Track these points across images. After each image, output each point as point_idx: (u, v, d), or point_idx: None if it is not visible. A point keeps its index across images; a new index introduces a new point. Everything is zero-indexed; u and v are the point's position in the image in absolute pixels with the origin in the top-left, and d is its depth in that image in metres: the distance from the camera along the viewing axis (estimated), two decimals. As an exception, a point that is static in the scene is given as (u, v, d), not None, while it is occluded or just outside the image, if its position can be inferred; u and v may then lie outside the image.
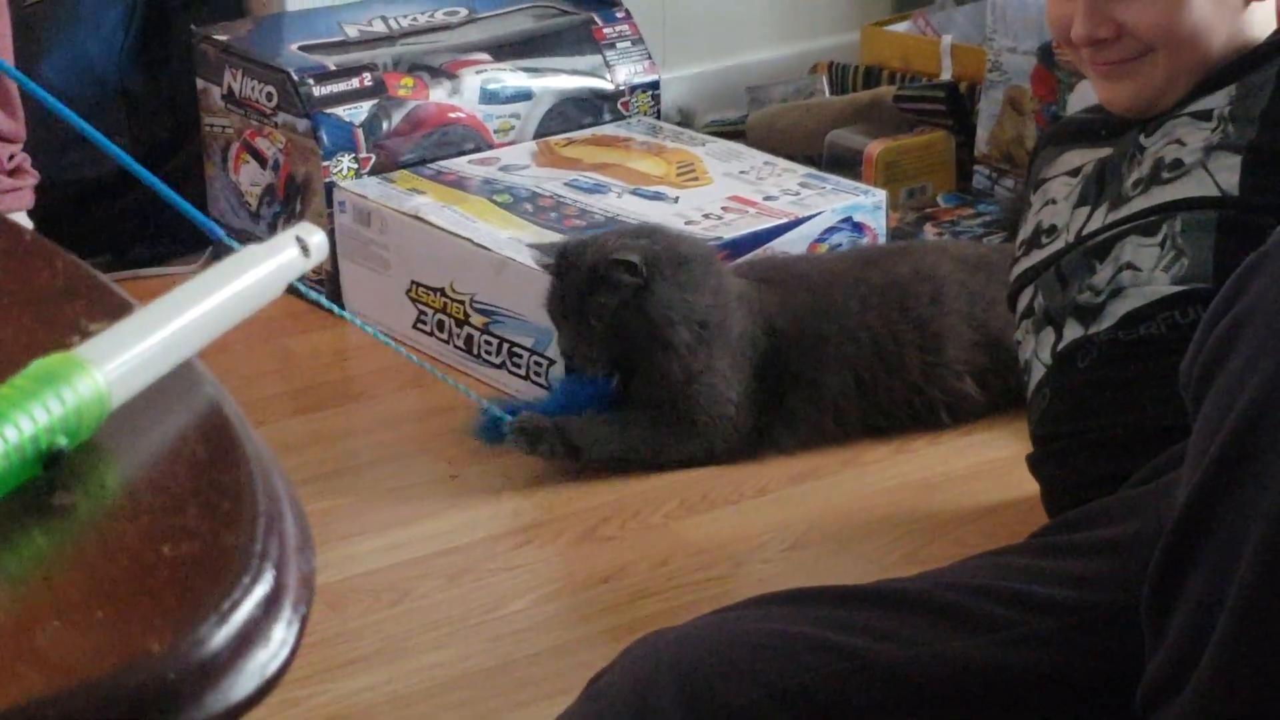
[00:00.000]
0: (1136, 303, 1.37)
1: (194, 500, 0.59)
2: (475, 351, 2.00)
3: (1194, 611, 1.00)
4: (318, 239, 0.74)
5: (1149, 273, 1.37)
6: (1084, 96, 2.25)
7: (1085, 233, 1.44)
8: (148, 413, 0.63)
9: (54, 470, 0.59)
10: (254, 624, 0.53)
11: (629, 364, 1.79)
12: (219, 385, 0.65)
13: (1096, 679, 1.14)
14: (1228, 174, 1.36)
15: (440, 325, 2.04)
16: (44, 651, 0.52)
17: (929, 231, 2.28)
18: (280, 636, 0.54)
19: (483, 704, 1.44)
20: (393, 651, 1.51)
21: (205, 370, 0.66)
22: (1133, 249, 1.39)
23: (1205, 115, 1.39)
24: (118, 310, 0.69)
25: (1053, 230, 1.49)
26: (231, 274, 0.69)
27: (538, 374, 1.93)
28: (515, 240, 1.99)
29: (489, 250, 1.97)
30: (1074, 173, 1.50)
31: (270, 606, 0.54)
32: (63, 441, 0.59)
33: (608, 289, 1.75)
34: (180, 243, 2.30)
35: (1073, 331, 1.40)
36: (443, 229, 2.02)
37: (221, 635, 0.52)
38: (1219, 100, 1.39)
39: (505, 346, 1.96)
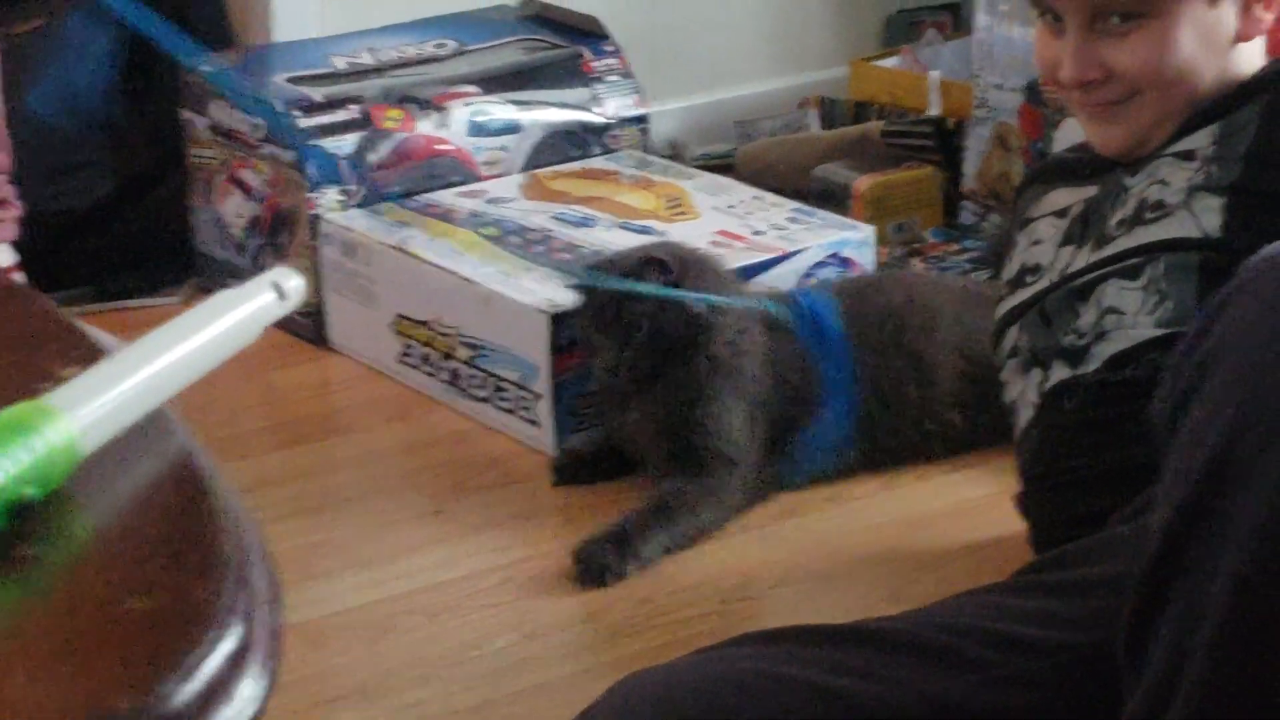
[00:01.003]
0: (1121, 345, 1.37)
1: (163, 551, 0.58)
2: (461, 385, 1.99)
3: (1169, 650, 1.00)
4: (294, 283, 0.73)
5: (1132, 316, 1.37)
6: (1070, 133, 2.25)
7: (1069, 272, 1.44)
8: (119, 461, 0.62)
9: (22, 520, 0.58)
10: (220, 680, 0.52)
11: (662, 370, 1.76)
12: (190, 434, 0.65)
13: (1078, 719, 1.14)
14: (1211, 215, 1.35)
15: (426, 358, 2.03)
16: (9, 705, 0.51)
17: (916, 266, 2.28)
18: (247, 693, 0.53)
19: (464, 743, 1.43)
20: (374, 690, 1.50)
21: (177, 418, 0.65)
22: (1115, 292, 1.39)
23: (1189, 155, 1.39)
24: (91, 356, 0.68)
25: (1036, 269, 1.49)
26: (206, 319, 0.69)
27: (524, 408, 1.92)
28: (502, 274, 1.98)
29: (475, 283, 1.96)
30: (1061, 213, 1.50)
31: (237, 662, 0.53)
32: (31, 491, 0.59)
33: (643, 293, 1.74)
34: (165, 274, 2.29)
35: (1060, 373, 1.40)
36: (429, 262, 2.02)
37: (186, 691, 0.52)
38: (1202, 140, 1.39)
39: (491, 380, 1.96)
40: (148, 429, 0.63)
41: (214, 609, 0.54)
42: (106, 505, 0.61)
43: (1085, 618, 1.17)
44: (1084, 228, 1.46)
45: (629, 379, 1.76)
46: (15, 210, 2.01)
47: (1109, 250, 1.41)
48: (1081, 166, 1.52)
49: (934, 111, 2.47)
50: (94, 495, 0.61)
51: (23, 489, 0.58)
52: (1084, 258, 1.43)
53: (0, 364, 0.71)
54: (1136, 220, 1.40)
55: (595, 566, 1.66)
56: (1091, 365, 1.38)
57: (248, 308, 0.70)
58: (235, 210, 2.24)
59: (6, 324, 0.74)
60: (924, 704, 1.14)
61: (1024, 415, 1.45)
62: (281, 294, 0.72)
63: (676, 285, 1.74)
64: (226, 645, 0.53)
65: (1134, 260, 1.38)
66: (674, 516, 1.72)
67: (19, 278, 2.02)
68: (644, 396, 1.78)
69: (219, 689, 0.52)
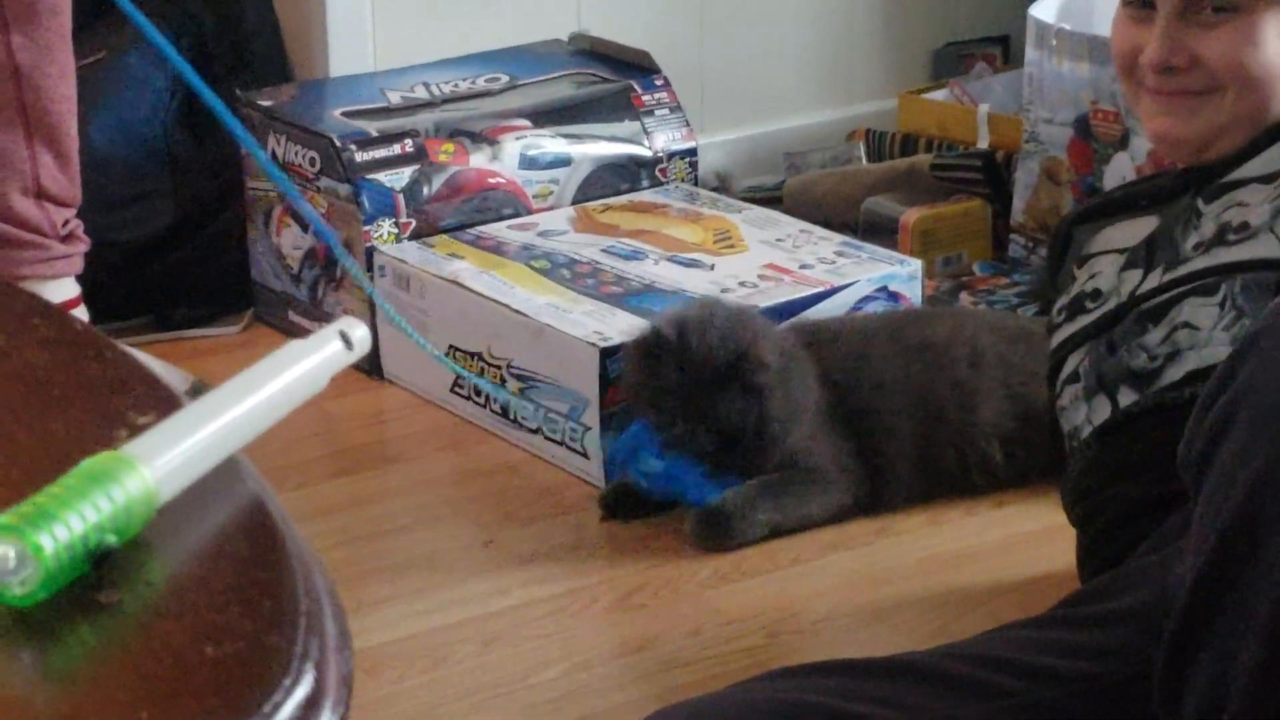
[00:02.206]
0: (1197, 364, 1.34)
1: (236, 598, 0.60)
2: (511, 416, 2.02)
3: (1206, 694, 1.01)
4: (360, 333, 0.76)
5: (1208, 332, 1.35)
6: (1119, 169, 2.26)
7: (1140, 292, 1.41)
8: (193, 509, 0.64)
9: (102, 567, 0.61)
10: (294, 726, 0.54)
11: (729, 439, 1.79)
12: (263, 481, 0.67)
13: None
14: None
15: (477, 389, 2.06)
16: (90, 749, 0.53)
17: (964, 300, 2.29)
18: (319, 738, 0.55)
19: (514, 774, 1.44)
20: (426, 718, 1.52)
21: (249, 465, 0.68)
22: (1191, 309, 1.36)
23: (1269, 179, 1.37)
24: (166, 403, 0.71)
25: (1097, 294, 1.47)
26: (277, 369, 0.71)
27: (573, 440, 1.94)
28: (552, 306, 2.01)
29: (526, 316, 1.99)
30: (1123, 251, 1.49)
31: (310, 708, 0.55)
32: (111, 539, 0.61)
33: (741, 390, 1.75)
34: (223, 304, 2.33)
35: (1127, 397, 1.39)
36: (480, 294, 2.05)
37: (262, 737, 0.53)
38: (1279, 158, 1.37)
39: (541, 412, 1.98)
40: (221, 475, 0.66)
41: (288, 656, 0.56)
42: (182, 553, 0.63)
43: (1107, 649, 1.19)
44: (1150, 252, 1.44)
45: (697, 452, 1.80)
46: (83, 245, 2.04)
47: (1185, 269, 1.38)
48: (1137, 199, 1.50)
49: (983, 145, 2.48)
50: (170, 542, 0.63)
51: (104, 536, 0.60)
52: (1156, 279, 1.41)
53: (79, 410, 0.73)
54: (1218, 241, 1.38)
55: (714, 533, 1.74)
56: (1161, 383, 1.36)
57: (316, 357, 0.73)
58: (292, 242, 2.27)
59: (84, 370, 0.76)
60: None
61: (1082, 441, 1.44)
62: (348, 343, 0.74)
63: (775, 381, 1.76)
64: (300, 692, 0.55)
65: (1211, 279, 1.36)
66: (780, 495, 1.77)
67: (81, 310, 2.06)
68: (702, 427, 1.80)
69: (292, 734, 0.54)
